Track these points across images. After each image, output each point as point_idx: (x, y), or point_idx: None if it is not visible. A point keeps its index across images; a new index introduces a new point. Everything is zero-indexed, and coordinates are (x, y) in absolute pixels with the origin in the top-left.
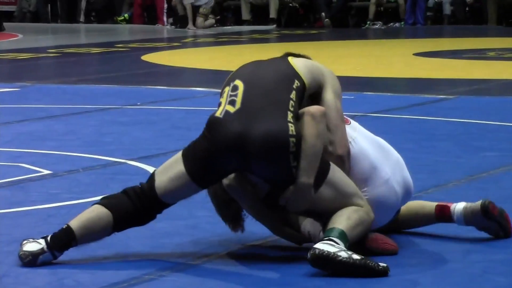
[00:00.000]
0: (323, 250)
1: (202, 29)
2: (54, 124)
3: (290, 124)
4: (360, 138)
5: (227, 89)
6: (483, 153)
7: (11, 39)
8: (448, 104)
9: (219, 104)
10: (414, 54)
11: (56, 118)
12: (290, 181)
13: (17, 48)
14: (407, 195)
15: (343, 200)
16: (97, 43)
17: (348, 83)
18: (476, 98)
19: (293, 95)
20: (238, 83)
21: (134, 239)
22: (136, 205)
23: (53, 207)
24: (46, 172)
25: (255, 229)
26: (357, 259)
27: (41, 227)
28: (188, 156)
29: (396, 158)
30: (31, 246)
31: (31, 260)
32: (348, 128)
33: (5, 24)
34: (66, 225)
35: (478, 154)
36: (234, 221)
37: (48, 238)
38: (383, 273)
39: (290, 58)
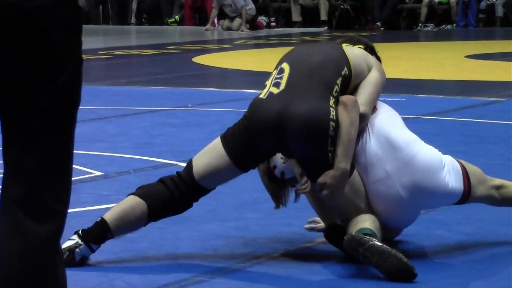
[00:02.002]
0: (358, 234)
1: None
2: (105, 125)
3: (331, 109)
4: (368, 133)
5: (274, 72)
6: None
7: None
8: (500, 106)
9: (264, 87)
10: (465, 56)
11: (106, 119)
12: (323, 165)
13: None
14: (423, 198)
15: (355, 200)
16: (148, 45)
17: (399, 85)
18: None
19: (339, 80)
20: (285, 65)
21: (184, 240)
22: (173, 193)
23: (104, 208)
24: (97, 173)
25: (304, 231)
26: (388, 248)
27: None
28: (227, 137)
29: (408, 159)
30: (66, 243)
31: (69, 256)
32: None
33: None
34: (100, 218)
35: None
36: (278, 198)
37: (80, 232)
38: (411, 268)
39: (344, 45)
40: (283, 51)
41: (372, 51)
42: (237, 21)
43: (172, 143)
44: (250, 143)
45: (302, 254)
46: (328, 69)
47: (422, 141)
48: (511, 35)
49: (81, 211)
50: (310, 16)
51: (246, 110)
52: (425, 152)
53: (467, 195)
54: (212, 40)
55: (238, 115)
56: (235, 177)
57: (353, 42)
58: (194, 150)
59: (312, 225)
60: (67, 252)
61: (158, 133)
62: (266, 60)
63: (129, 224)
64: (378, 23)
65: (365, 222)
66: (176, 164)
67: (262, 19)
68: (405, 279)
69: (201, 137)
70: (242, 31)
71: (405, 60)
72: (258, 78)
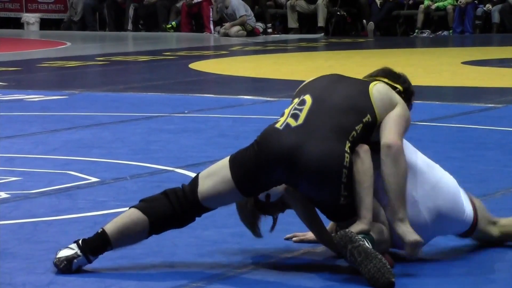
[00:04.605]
0: (351, 231)
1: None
2: (102, 131)
3: (346, 154)
4: None
5: (296, 100)
6: None
7: (60, 47)
8: (496, 113)
9: (282, 114)
10: (462, 63)
11: (103, 126)
12: (331, 206)
13: (65, 56)
14: (443, 223)
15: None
16: (144, 51)
17: None
18: None
19: (359, 127)
20: (308, 98)
21: (180, 247)
22: (176, 209)
23: (100, 214)
24: (93, 179)
25: None
26: (376, 252)
27: (88, 235)
28: (236, 162)
29: (433, 185)
30: (64, 252)
31: (66, 265)
32: None
33: (53, 32)
34: (101, 229)
35: None
36: (254, 227)
37: (80, 242)
38: (392, 274)
39: (372, 85)
40: (279, 57)
41: (408, 95)
42: (235, 28)
43: (169, 149)
44: (257, 172)
45: (299, 261)
46: (349, 115)
47: (438, 165)
48: (508, 42)
49: (77, 217)
50: (307, 23)
51: (259, 135)
52: (448, 178)
53: (474, 227)
54: (208, 47)
55: (235, 121)
56: (237, 200)
57: (394, 78)
58: (191, 156)
59: (301, 237)
60: (65, 262)
61: (155, 139)
62: (262, 66)
63: (129, 238)
64: (371, 22)
65: (372, 230)
66: (172, 171)
67: (259, 26)
68: (383, 284)
69: (198, 143)
70: (237, 32)
71: (401, 66)
72: (255, 85)
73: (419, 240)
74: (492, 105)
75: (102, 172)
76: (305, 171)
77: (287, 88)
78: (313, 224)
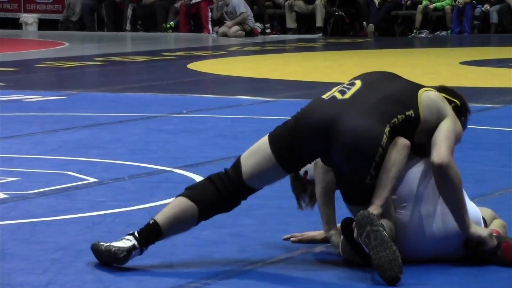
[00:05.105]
0: (374, 214)
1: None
2: (100, 132)
3: (384, 135)
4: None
5: (345, 82)
6: None
7: (58, 47)
8: (495, 113)
9: (329, 90)
10: (460, 63)
11: (101, 126)
12: (357, 183)
13: (64, 57)
14: (443, 245)
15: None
16: (143, 52)
17: None
18: None
19: (401, 116)
20: (358, 82)
21: (179, 247)
22: (222, 193)
23: (99, 215)
24: (92, 180)
25: None
26: (392, 243)
27: (86, 235)
28: (275, 137)
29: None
30: (122, 243)
31: (125, 256)
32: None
33: (51, 32)
34: (152, 220)
35: None
36: (299, 199)
37: (136, 234)
38: (400, 268)
39: (423, 90)
40: (278, 57)
41: (464, 111)
42: (233, 28)
43: (167, 149)
44: (296, 142)
45: (298, 261)
46: (394, 103)
47: None
48: (506, 42)
49: (76, 217)
50: (305, 23)
51: (301, 108)
52: (472, 205)
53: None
54: (207, 47)
55: (233, 122)
56: (281, 178)
57: (451, 93)
58: (189, 156)
59: (299, 237)
60: (125, 252)
61: (153, 140)
62: (261, 66)
63: (180, 226)
64: (371, 24)
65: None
66: (171, 171)
67: (257, 26)
68: (390, 277)
69: (196, 144)
70: (236, 32)
71: (400, 66)
72: (253, 85)
73: (490, 232)
74: (491, 105)
75: (101, 173)
76: (342, 141)
77: (286, 88)
78: (326, 205)
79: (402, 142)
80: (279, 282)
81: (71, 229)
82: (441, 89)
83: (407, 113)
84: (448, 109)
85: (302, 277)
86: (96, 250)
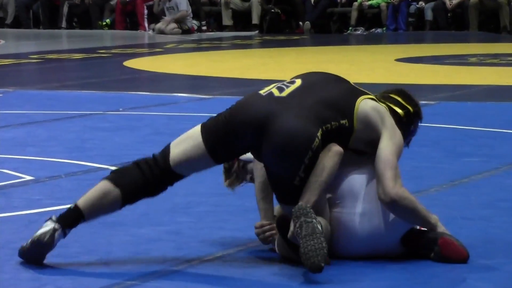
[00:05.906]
0: (311, 208)
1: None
2: (36, 130)
3: (316, 139)
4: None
5: (283, 79)
6: (465, 159)
7: None
8: (430, 109)
9: (267, 86)
10: (396, 60)
11: (37, 124)
12: (285, 183)
13: None
14: (374, 245)
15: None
16: (79, 49)
17: None
18: (458, 104)
19: (335, 124)
20: (298, 81)
21: (116, 244)
22: (147, 177)
23: (35, 213)
24: (28, 178)
25: (236, 234)
26: (323, 237)
27: (23, 233)
28: (207, 128)
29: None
30: (42, 229)
31: (50, 238)
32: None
33: None
34: (73, 205)
35: (460, 159)
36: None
37: (54, 218)
38: (324, 260)
39: (362, 98)
40: (214, 54)
41: (415, 117)
42: (170, 25)
43: (104, 147)
44: (228, 136)
45: (234, 258)
46: (330, 109)
47: None
48: (441, 39)
49: (12, 215)
50: (241, 20)
51: (236, 101)
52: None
53: None
54: (143, 44)
55: (170, 119)
56: (209, 168)
57: (406, 98)
58: (126, 154)
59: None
60: (48, 235)
61: (90, 137)
62: (197, 64)
63: (102, 210)
64: (308, 22)
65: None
66: (107, 169)
67: (194, 23)
68: (312, 264)
69: (133, 141)
70: (172, 29)
71: (335, 63)
72: (189, 82)
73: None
74: (426, 102)
75: (37, 171)
76: (273, 141)
77: (222, 86)
78: (265, 200)
79: (335, 148)
80: (215, 279)
81: (7, 227)
82: (398, 92)
83: (341, 121)
84: (387, 121)
85: (238, 274)
86: (23, 251)
